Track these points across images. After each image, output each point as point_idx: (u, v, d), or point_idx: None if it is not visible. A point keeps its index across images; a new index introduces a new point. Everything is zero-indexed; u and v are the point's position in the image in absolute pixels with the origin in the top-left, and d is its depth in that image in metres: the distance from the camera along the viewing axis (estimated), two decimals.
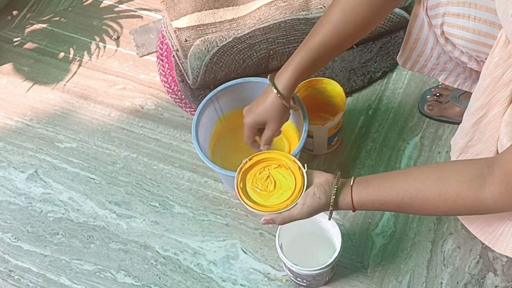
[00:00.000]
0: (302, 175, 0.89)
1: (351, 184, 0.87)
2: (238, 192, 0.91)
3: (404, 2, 1.23)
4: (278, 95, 0.98)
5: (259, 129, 1.04)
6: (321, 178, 0.89)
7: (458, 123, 1.28)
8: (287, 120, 1.05)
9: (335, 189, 0.87)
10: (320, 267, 1.02)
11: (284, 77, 0.98)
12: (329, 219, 0.91)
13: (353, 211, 0.88)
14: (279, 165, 0.92)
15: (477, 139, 0.93)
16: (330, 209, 0.87)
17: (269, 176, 0.92)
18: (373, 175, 0.88)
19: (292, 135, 1.21)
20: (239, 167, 0.93)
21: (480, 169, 0.77)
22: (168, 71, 1.44)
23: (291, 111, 1.04)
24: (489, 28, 0.89)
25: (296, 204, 0.88)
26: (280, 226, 1.05)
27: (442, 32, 0.95)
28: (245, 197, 0.90)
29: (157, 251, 1.22)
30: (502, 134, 0.87)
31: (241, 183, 0.92)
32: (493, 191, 0.75)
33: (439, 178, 0.81)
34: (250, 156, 0.94)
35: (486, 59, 0.90)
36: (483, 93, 0.88)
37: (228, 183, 1.22)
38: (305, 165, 0.91)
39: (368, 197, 0.86)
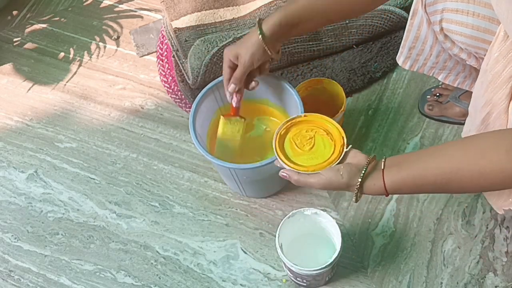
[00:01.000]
0: (340, 152, 0.90)
1: (382, 168, 0.83)
2: (276, 137, 0.93)
3: None
4: (260, 36, 0.99)
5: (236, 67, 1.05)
6: (354, 159, 0.88)
7: (458, 123, 1.28)
8: (261, 63, 1.05)
9: (364, 172, 0.84)
10: (320, 267, 1.02)
11: (269, 21, 0.99)
12: (356, 202, 0.88)
13: (386, 196, 0.85)
14: (327, 133, 0.94)
15: None
16: (355, 192, 0.85)
17: (312, 137, 0.93)
18: (404, 156, 0.85)
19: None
20: (291, 117, 0.95)
21: None
22: (168, 71, 1.44)
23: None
24: (488, 23, 0.89)
25: (318, 173, 0.88)
26: (280, 226, 1.05)
27: (441, 29, 0.95)
28: (279, 144, 0.93)
29: (157, 251, 1.22)
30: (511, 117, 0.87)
31: (284, 130, 0.94)
32: None
33: (475, 153, 0.78)
34: (306, 114, 0.96)
35: (485, 55, 0.90)
36: (486, 90, 0.89)
37: (222, 172, 1.23)
38: (350, 146, 0.91)
39: (402, 181, 0.82)
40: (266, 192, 1.25)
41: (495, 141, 0.78)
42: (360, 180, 0.84)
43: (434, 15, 0.95)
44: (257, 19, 1.01)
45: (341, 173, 0.85)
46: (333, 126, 0.94)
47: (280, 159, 0.91)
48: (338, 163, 0.88)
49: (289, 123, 0.95)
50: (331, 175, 0.86)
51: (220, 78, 1.15)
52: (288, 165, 0.90)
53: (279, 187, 1.25)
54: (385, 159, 0.84)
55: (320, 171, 0.88)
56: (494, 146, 0.77)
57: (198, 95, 1.15)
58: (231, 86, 1.05)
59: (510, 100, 0.87)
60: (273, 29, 0.99)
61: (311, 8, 0.98)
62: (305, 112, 1.08)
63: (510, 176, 0.76)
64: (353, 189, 0.85)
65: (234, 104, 1.09)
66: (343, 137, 0.92)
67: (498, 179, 0.77)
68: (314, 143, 0.92)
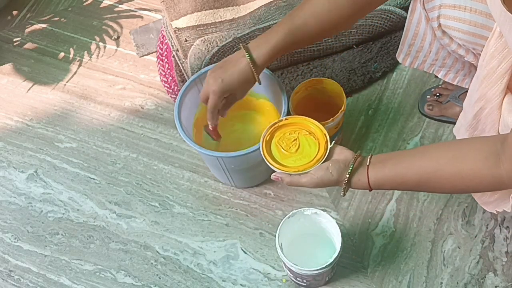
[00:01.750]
0: (326, 149, 0.93)
1: (368, 164, 0.88)
2: (262, 143, 0.95)
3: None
4: (252, 67, 0.97)
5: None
6: (341, 155, 0.91)
7: None
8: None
9: (351, 168, 0.88)
10: (320, 267, 1.02)
11: (261, 51, 0.97)
12: (343, 195, 0.91)
13: (369, 190, 0.89)
14: (310, 133, 0.96)
15: (481, 130, 0.95)
16: (343, 187, 0.89)
17: (296, 139, 0.96)
18: (389, 154, 0.89)
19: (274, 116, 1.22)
20: (274, 122, 0.98)
21: (494, 146, 0.78)
22: (168, 71, 1.44)
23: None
24: (485, 19, 0.89)
25: (308, 172, 0.91)
26: (280, 226, 1.05)
27: (439, 25, 0.96)
28: (266, 150, 0.95)
29: (157, 251, 1.22)
30: (505, 113, 0.89)
31: (269, 136, 0.97)
32: (507, 168, 0.76)
33: (455, 156, 0.81)
34: (287, 116, 0.99)
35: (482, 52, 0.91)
36: (481, 85, 0.90)
37: (210, 163, 1.23)
38: (333, 142, 0.94)
39: (385, 178, 0.87)
40: (254, 181, 1.26)
41: (476, 146, 0.81)
42: (348, 176, 0.88)
43: (432, 11, 0.95)
44: (242, 46, 0.98)
45: (330, 171, 0.89)
46: (314, 125, 0.97)
47: (270, 163, 0.93)
48: (325, 160, 0.91)
49: (272, 128, 0.97)
50: (321, 173, 0.90)
51: (203, 70, 1.17)
52: (278, 168, 0.92)
53: (267, 175, 1.25)
54: (371, 156, 0.88)
55: (311, 170, 0.91)
56: (474, 151, 0.80)
57: (182, 88, 1.15)
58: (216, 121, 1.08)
59: (504, 96, 0.88)
60: (264, 61, 0.98)
61: (303, 34, 0.97)
62: (301, 114, 1.10)
63: (485, 181, 0.80)
64: (341, 184, 0.89)
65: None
66: (325, 135, 0.95)
67: (474, 182, 0.81)
68: (299, 144, 0.95)
